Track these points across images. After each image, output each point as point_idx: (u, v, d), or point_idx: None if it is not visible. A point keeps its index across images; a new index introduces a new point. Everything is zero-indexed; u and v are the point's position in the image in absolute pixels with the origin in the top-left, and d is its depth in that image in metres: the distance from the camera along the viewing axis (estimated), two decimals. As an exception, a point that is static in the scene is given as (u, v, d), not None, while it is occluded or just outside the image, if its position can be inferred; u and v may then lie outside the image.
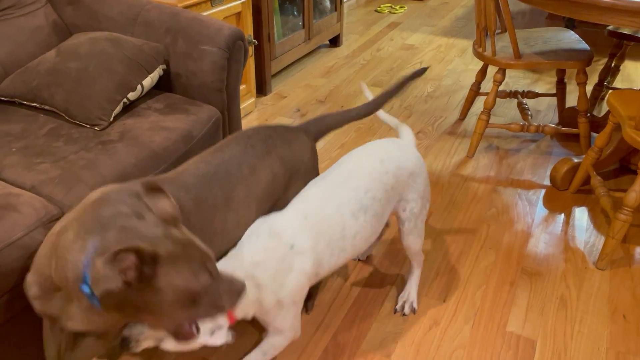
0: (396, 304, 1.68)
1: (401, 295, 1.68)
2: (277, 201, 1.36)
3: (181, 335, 1.01)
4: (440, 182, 2.33)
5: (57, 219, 1.31)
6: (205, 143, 1.73)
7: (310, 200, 1.32)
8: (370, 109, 1.55)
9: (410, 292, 1.67)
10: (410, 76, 1.58)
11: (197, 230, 1.15)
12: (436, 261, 1.88)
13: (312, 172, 1.45)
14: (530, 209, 2.16)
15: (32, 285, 1.07)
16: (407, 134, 1.58)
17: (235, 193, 1.24)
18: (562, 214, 2.14)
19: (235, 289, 0.99)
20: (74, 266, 0.93)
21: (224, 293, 0.97)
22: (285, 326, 1.32)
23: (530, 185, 2.31)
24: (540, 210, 2.15)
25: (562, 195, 2.25)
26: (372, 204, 1.36)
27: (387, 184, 1.38)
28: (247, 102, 2.83)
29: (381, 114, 1.67)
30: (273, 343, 1.36)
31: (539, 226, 2.06)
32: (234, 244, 1.28)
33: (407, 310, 1.65)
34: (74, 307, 1.00)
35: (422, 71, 1.61)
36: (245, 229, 1.29)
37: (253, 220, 1.31)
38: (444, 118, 2.86)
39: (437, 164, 2.46)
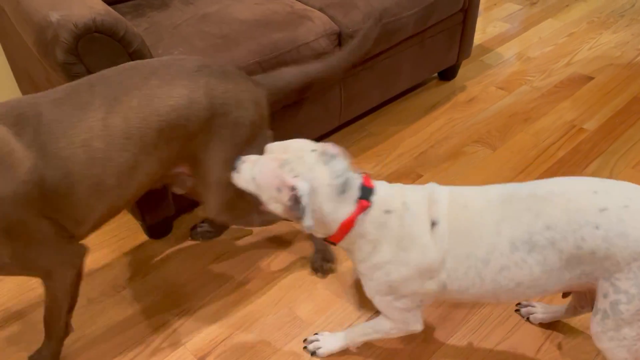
0: None
1: None
2: (187, 138, 1.13)
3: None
4: None
5: (337, 34, 1.64)
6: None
7: (478, 193, 1.03)
8: (332, 64, 1.46)
9: None
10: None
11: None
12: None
13: (251, 128, 1.19)
14: None
15: None
16: None
17: (127, 98, 1.07)
18: None
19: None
20: None
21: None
22: (381, 307, 1.13)
23: None
24: None
25: None
26: (546, 248, 0.97)
27: (585, 240, 0.94)
28: None
29: None
30: (376, 323, 1.19)
31: None
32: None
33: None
34: None
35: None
36: (135, 140, 1.06)
37: (144, 135, 1.06)
38: None
39: None
